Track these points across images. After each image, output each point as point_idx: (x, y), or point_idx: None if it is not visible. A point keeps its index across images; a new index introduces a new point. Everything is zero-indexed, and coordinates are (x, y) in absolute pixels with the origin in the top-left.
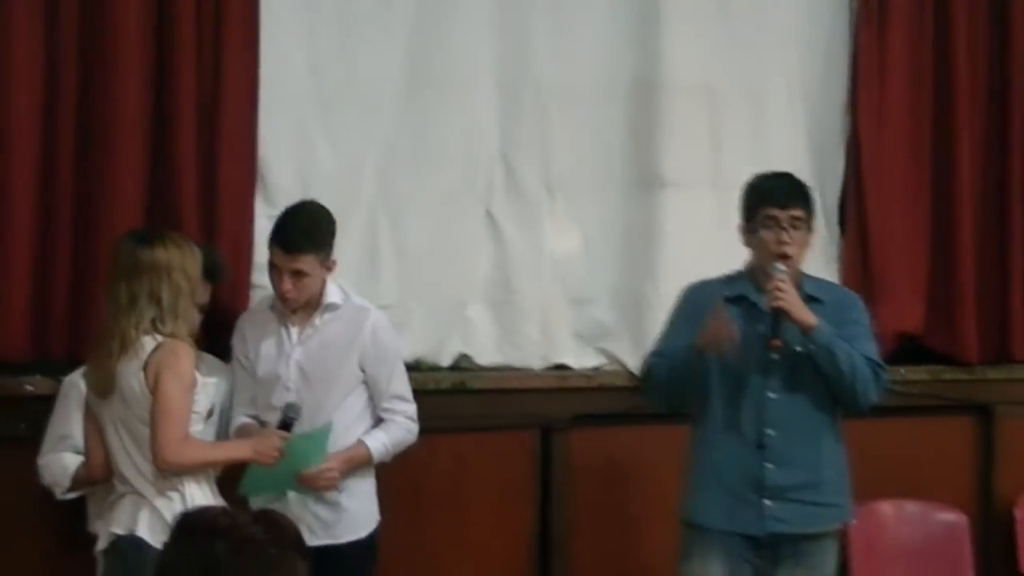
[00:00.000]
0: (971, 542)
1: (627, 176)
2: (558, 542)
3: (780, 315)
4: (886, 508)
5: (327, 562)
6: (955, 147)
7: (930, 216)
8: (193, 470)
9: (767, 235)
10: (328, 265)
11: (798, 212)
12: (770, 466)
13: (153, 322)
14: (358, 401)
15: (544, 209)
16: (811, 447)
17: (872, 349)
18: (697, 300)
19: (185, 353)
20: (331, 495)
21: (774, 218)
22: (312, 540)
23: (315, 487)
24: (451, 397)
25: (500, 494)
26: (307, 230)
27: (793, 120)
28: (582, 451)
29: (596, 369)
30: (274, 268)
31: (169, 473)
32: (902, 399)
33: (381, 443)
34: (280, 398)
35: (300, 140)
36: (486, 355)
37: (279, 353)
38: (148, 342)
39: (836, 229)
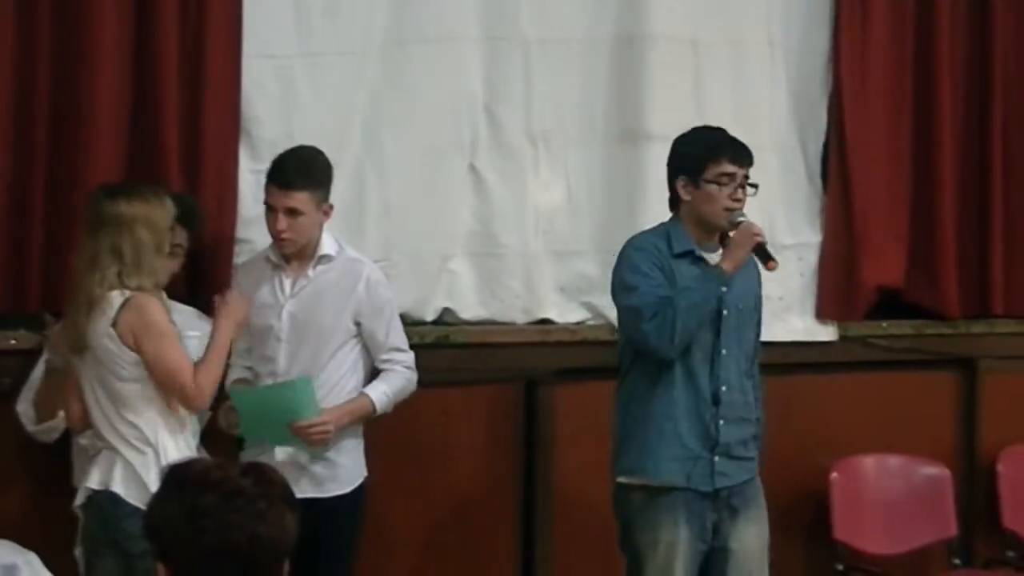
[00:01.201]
0: (954, 496)
1: (610, 129)
2: (543, 495)
3: (762, 249)
4: (869, 462)
5: (314, 515)
6: (936, 101)
7: (911, 170)
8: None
9: (722, 192)
10: (325, 209)
11: (748, 173)
12: (722, 423)
13: (119, 276)
14: (350, 354)
15: (528, 162)
16: (750, 403)
17: None
18: (651, 251)
19: (153, 307)
20: (320, 449)
21: (731, 175)
22: (299, 493)
23: (308, 440)
24: (435, 351)
25: (485, 448)
26: (300, 167)
27: (775, 73)
28: (566, 405)
29: (580, 323)
30: (269, 209)
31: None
32: (885, 353)
33: (383, 393)
34: (273, 349)
35: (284, 93)
36: (469, 309)
37: (273, 303)
38: (115, 297)
39: (819, 183)
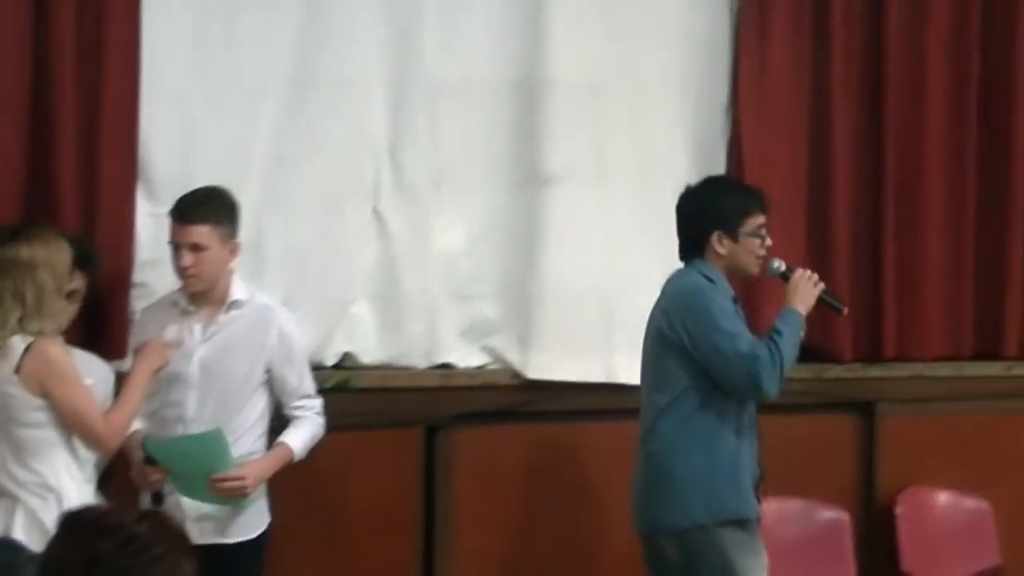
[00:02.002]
0: (853, 539)
1: (513, 173)
2: (442, 540)
3: (828, 293)
4: (769, 505)
5: (218, 562)
6: (832, 148)
7: (807, 214)
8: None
9: (756, 243)
10: (231, 247)
11: None
12: (757, 452)
13: (20, 321)
14: (260, 401)
15: (430, 206)
16: None
17: None
18: (723, 295)
19: (57, 352)
20: (238, 503)
21: (766, 226)
22: (202, 539)
23: (226, 494)
24: (335, 395)
25: (385, 493)
26: (201, 201)
27: (675, 118)
28: (466, 449)
29: (481, 367)
30: (175, 248)
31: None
32: (785, 396)
33: (302, 440)
34: (181, 393)
35: (184, 135)
36: (370, 353)
37: (182, 350)
38: (17, 342)
39: None
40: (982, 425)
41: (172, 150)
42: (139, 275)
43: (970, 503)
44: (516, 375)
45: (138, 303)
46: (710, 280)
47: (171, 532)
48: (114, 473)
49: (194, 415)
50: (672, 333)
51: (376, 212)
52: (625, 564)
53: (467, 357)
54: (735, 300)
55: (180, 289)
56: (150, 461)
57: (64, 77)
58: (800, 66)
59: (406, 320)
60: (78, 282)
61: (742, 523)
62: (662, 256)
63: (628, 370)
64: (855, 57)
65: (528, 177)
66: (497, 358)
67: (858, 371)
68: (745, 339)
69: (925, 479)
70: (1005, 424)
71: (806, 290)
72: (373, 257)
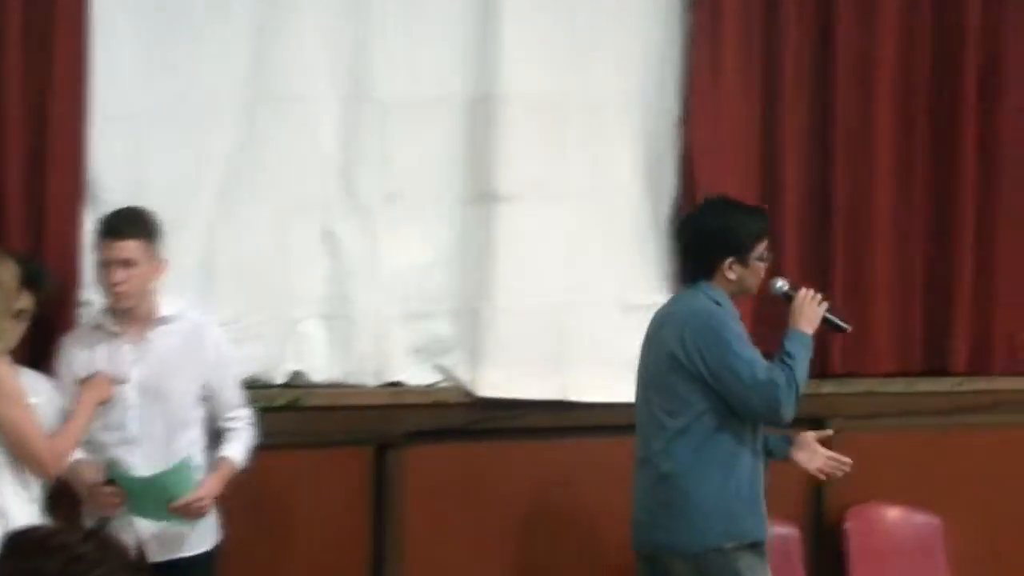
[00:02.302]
0: (802, 555)
1: (466, 190)
2: (392, 559)
3: (831, 311)
4: None
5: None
6: (783, 161)
7: None
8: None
9: (763, 266)
10: (157, 264)
11: None
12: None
13: None
14: (199, 415)
15: (382, 223)
16: None
17: None
18: (732, 320)
19: (3, 372)
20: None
21: (769, 248)
22: (158, 555)
23: (188, 516)
24: (285, 414)
25: (336, 511)
26: (129, 218)
27: (627, 132)
28: (418, 468)
29: (432, 385)
30: (103, 265)
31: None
32: None
33: (241, 453)
34: (122, 416)
35: (133, 153)
36: (320, 371)
37: (115, 372)
38: None
39: (669, 243)
40: (932, 441)
41: (120, 169)
42: (86, 294)
43: (920, 519)
44: (468, 393)
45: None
46: (717, 303)
47: (115, 552)
48: (60, 493)
49: (138, 435)
50: (686, 359)
51: (327, 230)
52: None
53: (418, 375)
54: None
55: (102, 312)
56: (111, 483)
57: (11, 95)
58: (750, 81)
59: (357, 338)
60: (25, 301)
61: (756, 546)
62: (615, 273)
63: (580, 388)
64: (806, 72)
65: (481, 195)
66: (449, 376)
67: (809, 387)
68: (761, 365)
69: (875, 495)
70: (955, 440)
71: (811, 310)
72: (324, 275)
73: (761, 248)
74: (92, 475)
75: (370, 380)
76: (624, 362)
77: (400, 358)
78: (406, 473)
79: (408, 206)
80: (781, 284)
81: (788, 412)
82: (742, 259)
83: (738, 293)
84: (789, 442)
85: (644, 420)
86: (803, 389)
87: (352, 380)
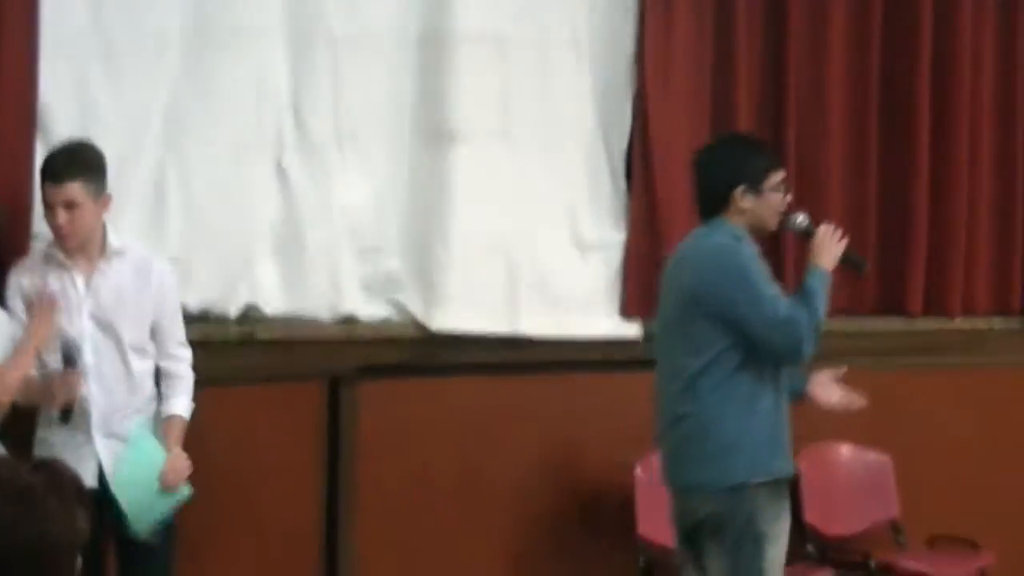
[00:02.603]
0: None
1: (417, 127)
2: (345, 493)
3: (850, 249)
4: None
5: None
6: (735, 101)
7: None
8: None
9: (778, 197)
10: (103, 201)
11: None
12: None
13: None
14: (150, 349)
15: (334, 160)
16: None
17: None
18: (751, 256)
19: None
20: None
21: (784, 181)
22: None
23: (178, 480)
24: (238, 348)
25: (288, 446)
26: (71, 158)
27: (580, 71)
28: (370, 402)
29: (385, 320)
30: (47, 207)
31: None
32: None
33: (186, 407)
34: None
35: (82, 89)
36: (274, 306)
37: (67, 304)
38: None
39: (623, 181)
40: (884, 381)
41: (70, 104)
42: (37, 225)
43: (871, 456)
44: (421, 328)
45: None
46: (736, 239)
47: (66, 483)
48: (9, 427)
49: (93, 365)
50: (706, 296)
51: (279, 165)
52: (527, 516)
53: (372, 310)
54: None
55: (53, 244)
56: (69, 362)
57: None
58: (704, 18)
59: (310, 273)
60: None
61: (776, 484)
62: (567, 210)
63: (532, 324)
64: (759, 6)
65: (433, 132)
66: (402, 311)
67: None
68: (783, 302)
69: (828, 434)
70: (907, 380)
71: (831, 246)
72: (276, 210)
73: (775, 179)
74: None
75: (324, 315)
76: (576, 299)
77: (353, 293)
78: (359, 408)
79: (359, 143)
80: (801, 219)
81: (808, 350)
82: (755, 189)
83: (755, 228)
84: (804, 380)
85: (664, 361)
86: (823, 327)
87: (305, 315)
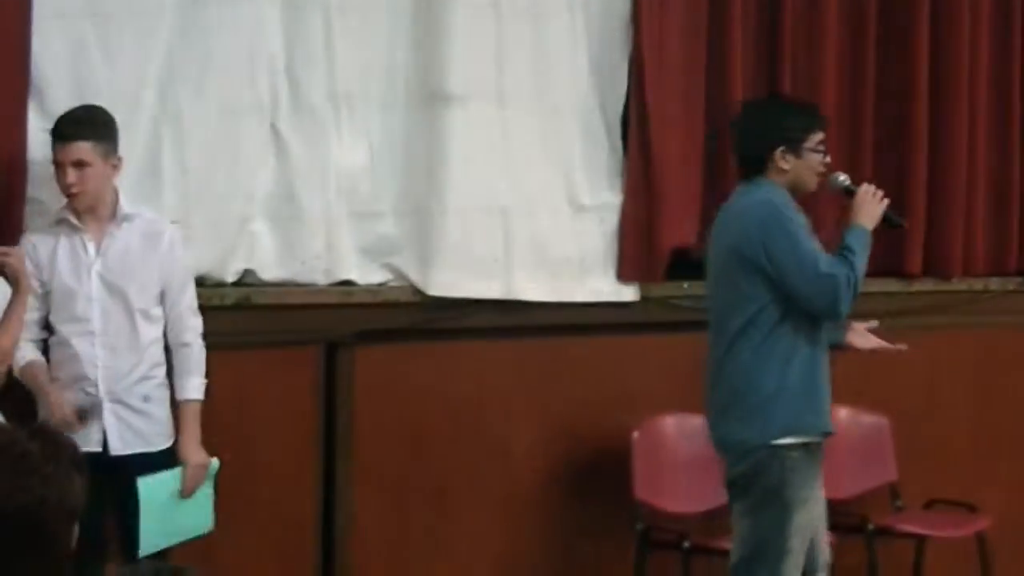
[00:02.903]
0: None
1: (412, 91)
2: (342, 457)
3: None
4: (670, 422)
5: (141, 470)
6: (728, 65)
7: (704, 131)
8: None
9: (818, 158)
10: (113, 163)
11: None
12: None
13: None
14: (159, 313)
15: (329, 124)
16: None
17: None
18: (791, 213)
19: None
20: (139, 404)
21: (823, 142)
22: (126, 448)
23: (197, 485)
24: (235, 313)
25: (285, 411)
26: (82, 119)
27: (575, 36)
28: (367, 367)
29: (381, 285)
30: (58, 167)
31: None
32: (686, 313)
33: (199, 389)
34: (84, 310)
35: (77, 52)
36: (270, 270)
37: (77, 265)
38: None
39: (619, 145)
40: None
41: (64, 68)
42: (33, 190)
43: (868, 419)
44: (417, 293)
45: (32, 219)
46: (777, 196)
47: (63, 449)
48: (8, 392)
49: (100, 327)
50: (750, 250)
51: (274, 130)
52: (523, 480)
53: (368, 275)
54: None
55: (65, 207)
56: (82, 417)
57: None
58: None
59: (306, 238)
60: None
61: (811, 447)
62: (563, 174)
63: (528, 288)
64: None
65: (429, 95)
66: (398, 276)
67: None
68: (824, 259)
69: None
70: (904, 341)
71: (872, 206)
72: (272, 174)
73: (815, 140)
74: (43, 375)
75: (320, 279)
76: (573, 262)
77: (350, 258)
78: (355, 372)
79: (355, 106)
80: (843, 179)
81: (845, 307)
82: (794, 150)
83: (794, 188)
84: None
85: (712, 319)
86: (861, 286)
87: (302, 279)
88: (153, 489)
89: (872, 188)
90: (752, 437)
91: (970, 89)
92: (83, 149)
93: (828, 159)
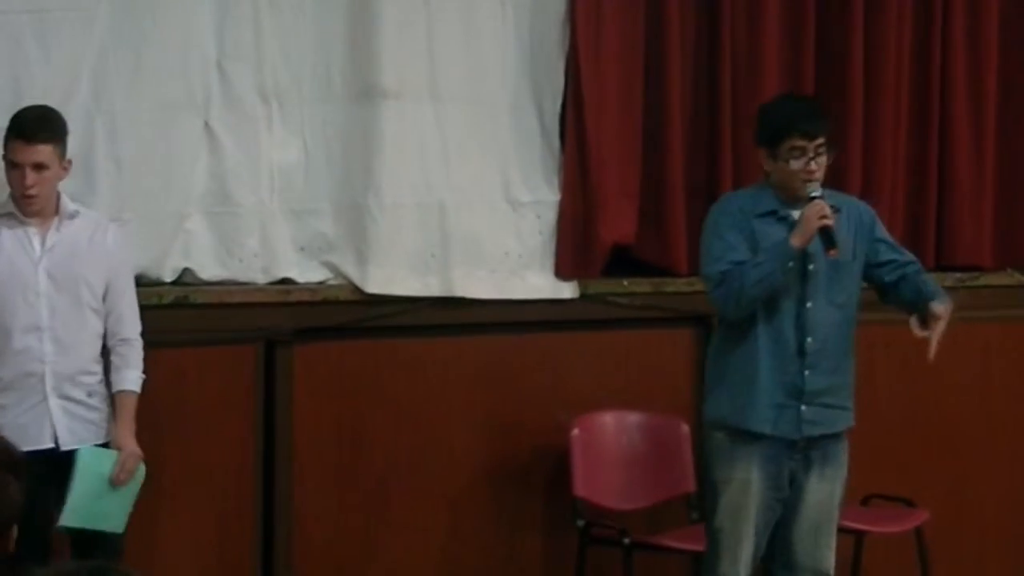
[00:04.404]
0: (691, 450)
1: (345, 86)
2: (282, 456)
3: (828, 231)
4: (608, 418)
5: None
6: (667, 62)
7: (642, 128)
8: None
9: (796, 165)
10: (64, 165)
11: (822, 140)
12: (808, 372)
13: None
14: (101, 313)
15: (262, 120)
16: (842, 354)
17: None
18: (735, 213)
19: None
20: (84, 398)
21: (802, 148)
22: (76, 442)
23: (129, 476)
24: (173, 311)
25: (224, 409)
26: (43, 121)
27: (506, 31)
28: (306, 365)
29: (320, 283)
30: (13, 167)
31: None
32: (624, 310)
33: (137, 381)
34: (33, 305)
35: (11, 48)
36: (208, 269)
37: (23, 260)
38: None
39: (556, 141)
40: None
41: (1, 66)
42: None
43: None
44: (356, 290)
45: None
46: (746, 194)
47: (1, 451)
48: None
49: (48, 323)
50: None
51: (207, 126)
52: (464, 477)
53: (307, 272)
54: (768, 214)
55: (7, 201)
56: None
57: None
58: None
59: (243, 235)
60: None
61: (729, 430)
62: (499, 170)
63: (467, 285)
64: None
65: (362, 90)
66: (337, 273)
67: (697, 285)
68: (718, 261)
69: None
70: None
71: (808, 223)
72: (206, 171)
73: (787, 146)
74: None
75: (258, 277)
76: (511, 259)
77: (287, 255)
78: (295, 370)
79: (287, 102)
80: (811, 190)
81: (722, 310)
82: (772, 152)
83: (782, 190)
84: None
85: None
86: (752, 294)
87: (240, 277)
88: (92, 460)
89: (818, 207)
90: (704, 418)
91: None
92: (45, 152)
93: (812, 165)
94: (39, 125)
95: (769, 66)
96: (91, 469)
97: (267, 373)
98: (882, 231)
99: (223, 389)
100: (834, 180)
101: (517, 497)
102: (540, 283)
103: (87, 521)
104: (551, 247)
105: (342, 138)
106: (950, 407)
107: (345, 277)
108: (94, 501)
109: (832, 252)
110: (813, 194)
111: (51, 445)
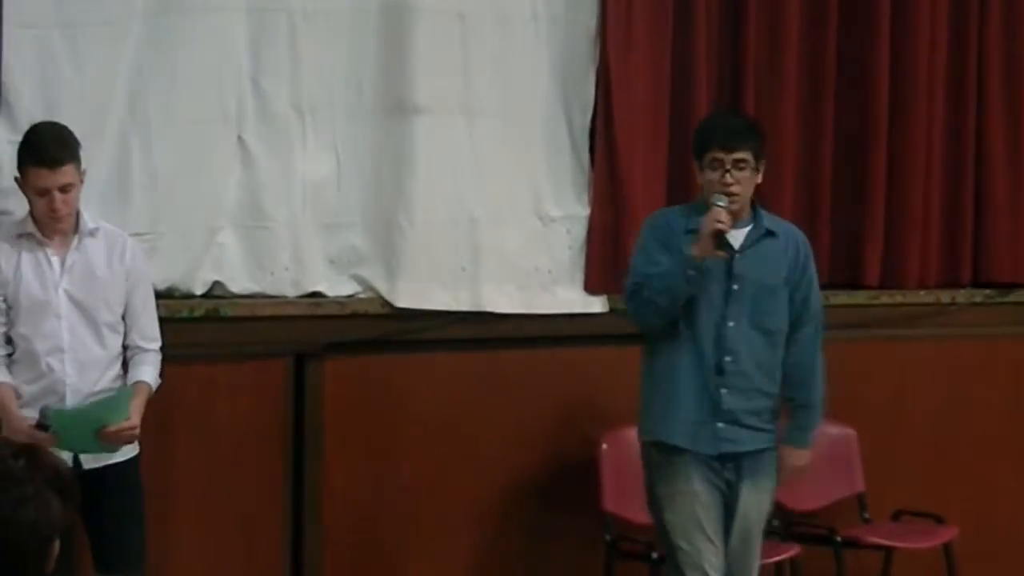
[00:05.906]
0: None
1: (378, 101)
2: (311, 469)
3: (719, 235)
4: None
5: (112, 480)
6: (694, 77)
7: (670, 143)
8: None
9: (713, 176)
10: (82, 178)
11: (742, 155)
12: (724, 392)
13: None
14: (121, 330)
15: (295, 135)
16: (763, 376)
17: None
18: (663, 227)
19: None
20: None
21: (719, 160)
22: (97, 461)
23: (118, 442)
24: (204, 324)
25: (254, 422)
26: (61, 142)
27: (539, 47)
28: (336, 379)
29: (350, 296)
30: (39, 193)
31: None
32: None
33: (153, 376)
34: (53, 326)
35: (44, 63)
36: (239, 282)
37: (43, 282)
38: None
39: (586, 156)
40: (847, 354)
41: (32, 78)
42: (4, 203)
43: (835, 430)
44: (386, 304)
45: (2, 230)
46: (679, 209)
47: (46, 469)
48: None
49: (69, 344)
50: None
51: (241, 140)
52: (493, 491)
53: (336, 286)
54: (693, 231)
55: (24, 221)
56: (42, 427)
57: None
58: None
59: (274, 249)
60: None
61: (662, 446)
62: (530, 185)
63: (496, 299)
64: None
65: (395, 105)
66: (367, 287)
67: None
68: (632, 272)
69: None
70: (870, 353)
71: (702, 228)
72: (238, 185)
73: (708, 158)
74: (11, 400)
75: (289, 291)
76: (540, 274)
77: (318, 269)
78: (324, 384)
79: (321, 117)
80: (715, 199)
81: (636, 321)
82: (699, 165)
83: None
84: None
85: None
86: (659, 304)
87: (271, 291)
88: (114, 404)
89: (716, 212)
90: (639, 432)
91: (929, 101)
92: (69, 172)
93: (728, 178)
94: (59, 147)
95: (790, 77)
96: (106, 406)
97: (297, 386)
98: (811, 269)
99: (253, 402)
100: (861, 196)
101: (545, 511)
102: (570, 298)
103: (62, 430)
104: (581, 262)
105: (374, 153)
106: (980, 423)
107: (375, 291)
108: (81, 424)
109: (720, 254)
110: (717, 203)
111: (71, 464)
